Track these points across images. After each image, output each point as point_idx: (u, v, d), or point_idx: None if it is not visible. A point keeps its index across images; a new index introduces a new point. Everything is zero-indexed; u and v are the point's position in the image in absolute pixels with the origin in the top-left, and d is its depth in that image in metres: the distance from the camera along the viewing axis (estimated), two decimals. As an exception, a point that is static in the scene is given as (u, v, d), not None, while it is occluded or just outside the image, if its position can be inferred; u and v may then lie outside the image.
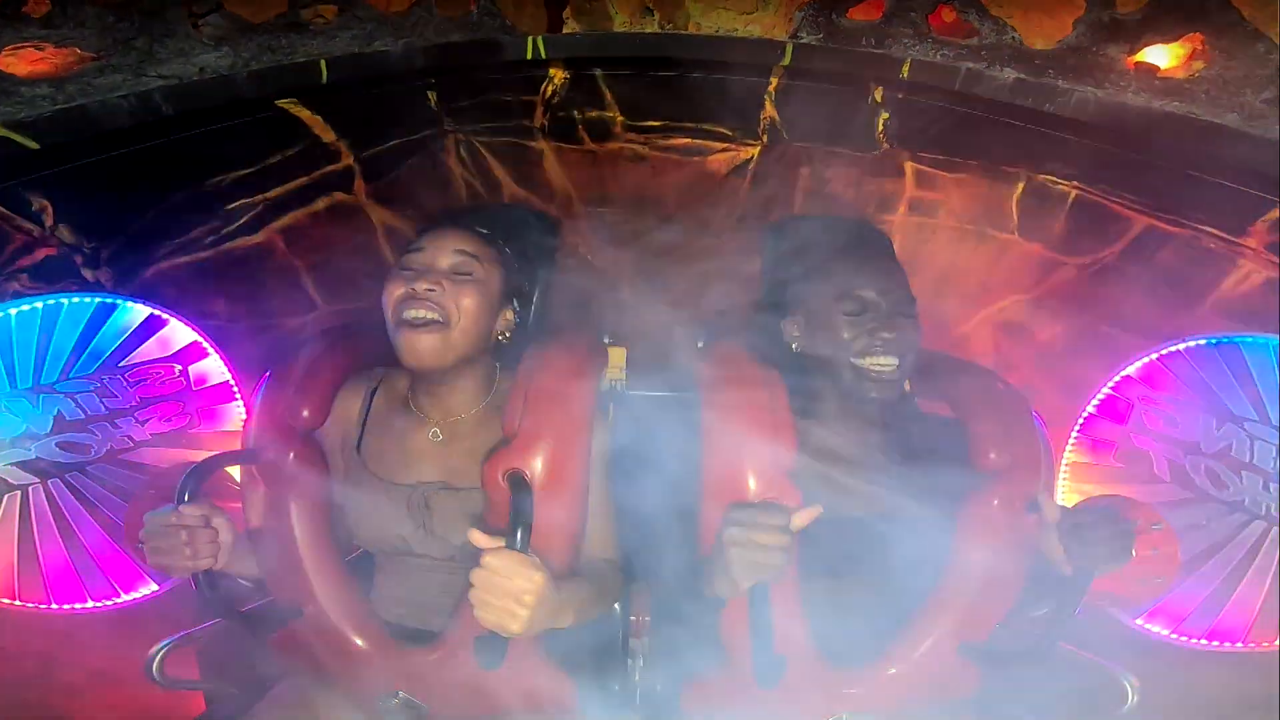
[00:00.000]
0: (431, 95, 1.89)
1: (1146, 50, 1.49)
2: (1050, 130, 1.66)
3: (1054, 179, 1.81)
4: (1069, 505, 1.12)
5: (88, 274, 1.76)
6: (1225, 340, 1.61)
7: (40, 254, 1.69)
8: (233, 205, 1.86)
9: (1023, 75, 1.60)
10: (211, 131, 1.70)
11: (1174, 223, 1.71)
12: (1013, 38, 1.59)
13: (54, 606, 1.58)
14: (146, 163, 1.69)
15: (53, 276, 1.71)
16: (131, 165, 1.67)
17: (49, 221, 1.67)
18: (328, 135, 1.86)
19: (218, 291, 1.91)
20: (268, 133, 1.79)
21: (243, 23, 1.60)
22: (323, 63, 1.68)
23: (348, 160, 1.93)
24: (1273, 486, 1.54)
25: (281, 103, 1.74)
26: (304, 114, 1.79)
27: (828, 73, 1.80)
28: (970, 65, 1.63)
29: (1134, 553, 1.01)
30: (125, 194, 1.73)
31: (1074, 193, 1.80)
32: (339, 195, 1.97)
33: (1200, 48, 1.46)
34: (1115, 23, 1.49)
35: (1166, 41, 1.48)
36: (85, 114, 1.52)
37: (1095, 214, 1.81)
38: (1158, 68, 1.51)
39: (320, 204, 1.96)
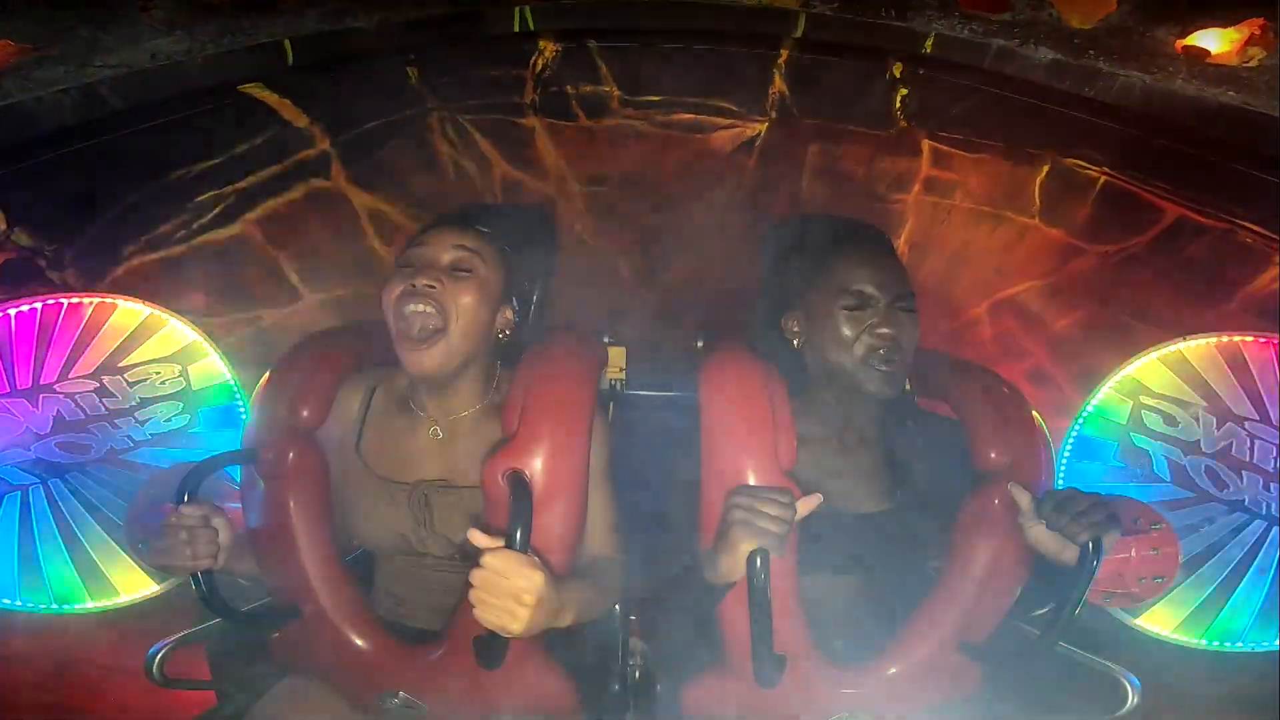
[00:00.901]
0: (412, 72, 1.74)
1: (1199, 34, 1.35)
2: (1085, 115, 1.53)
3: (1082, 164, 1.69)
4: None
5: (54, 276, 1.66)
6: (1226, 339, 1.55)
7: (-1, 259, 1.59)
8: (202, 197, 1.74)
9: (1061, 56, 1.46)
10: (169, 122, 1.57)
11: (1210, 215, 1.60)
12: (1050, 14, 1.44)
13: (54, 607, 1.58)
14: (101, 159, 1.56)
15: (17, 281, 1.61)
16: (85, 162, 1.54)
17: (2, 225, 1.56)
18: (299, 120, 1.72)
19: (195, 286, 1.81)
20: (233, 120, 1.66)
21: (197, 3, 1.43)
22: (287, 43, 1.53)
23: (323, 145, 1.80)
24: (1273, 486, 1.52)
25: (245, 88, 1.60)
26: (270, 98, 1.65)
27: (843, 46, 1.66)
28: (1002, 42, 1.49)
29: (1123, 524, 0.97)
30: (82, 192, 1.61)
31: (1103, 179, 1.69)
32: (316, 181, 1.85)
33: (1260, 33, 1.32)
34: (1165, 2, 1.35)
35: (1223, 25, 1.33)
36: (25, 111, 1.39)
37: (1124, 202, 1.70)
38: (1208, 52, 1.37)
39: (297, 191, 1.84)
